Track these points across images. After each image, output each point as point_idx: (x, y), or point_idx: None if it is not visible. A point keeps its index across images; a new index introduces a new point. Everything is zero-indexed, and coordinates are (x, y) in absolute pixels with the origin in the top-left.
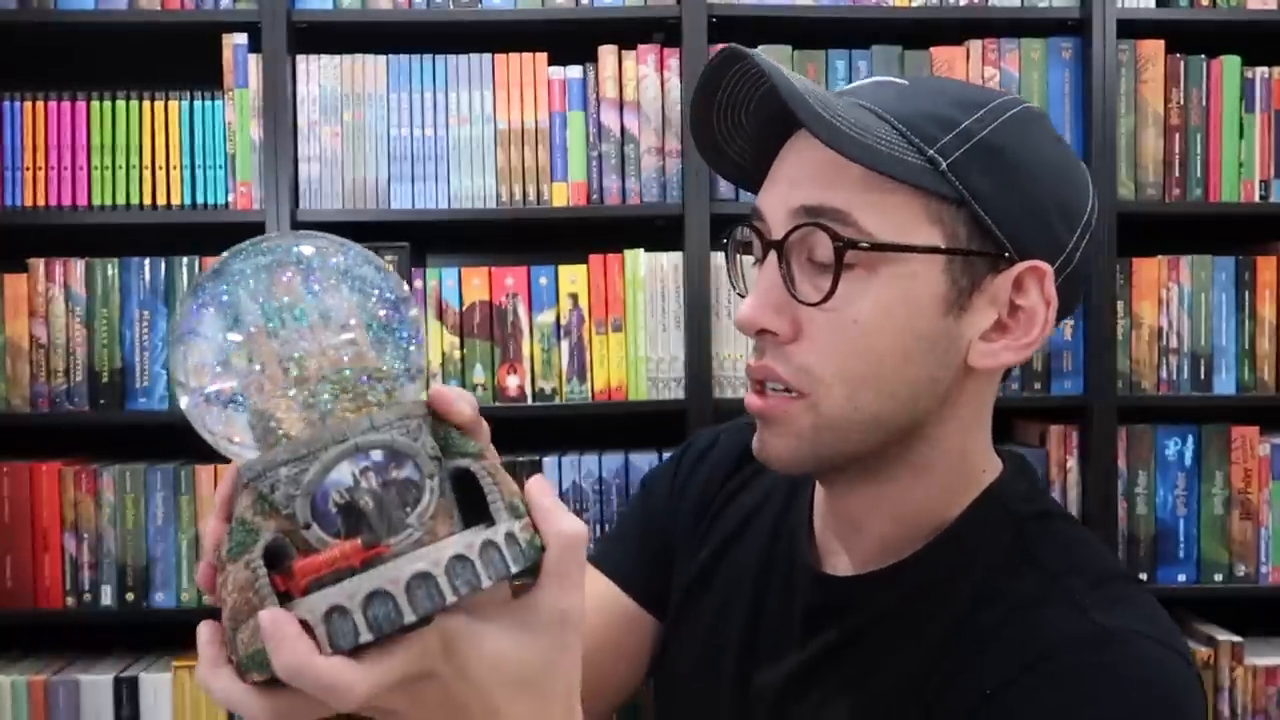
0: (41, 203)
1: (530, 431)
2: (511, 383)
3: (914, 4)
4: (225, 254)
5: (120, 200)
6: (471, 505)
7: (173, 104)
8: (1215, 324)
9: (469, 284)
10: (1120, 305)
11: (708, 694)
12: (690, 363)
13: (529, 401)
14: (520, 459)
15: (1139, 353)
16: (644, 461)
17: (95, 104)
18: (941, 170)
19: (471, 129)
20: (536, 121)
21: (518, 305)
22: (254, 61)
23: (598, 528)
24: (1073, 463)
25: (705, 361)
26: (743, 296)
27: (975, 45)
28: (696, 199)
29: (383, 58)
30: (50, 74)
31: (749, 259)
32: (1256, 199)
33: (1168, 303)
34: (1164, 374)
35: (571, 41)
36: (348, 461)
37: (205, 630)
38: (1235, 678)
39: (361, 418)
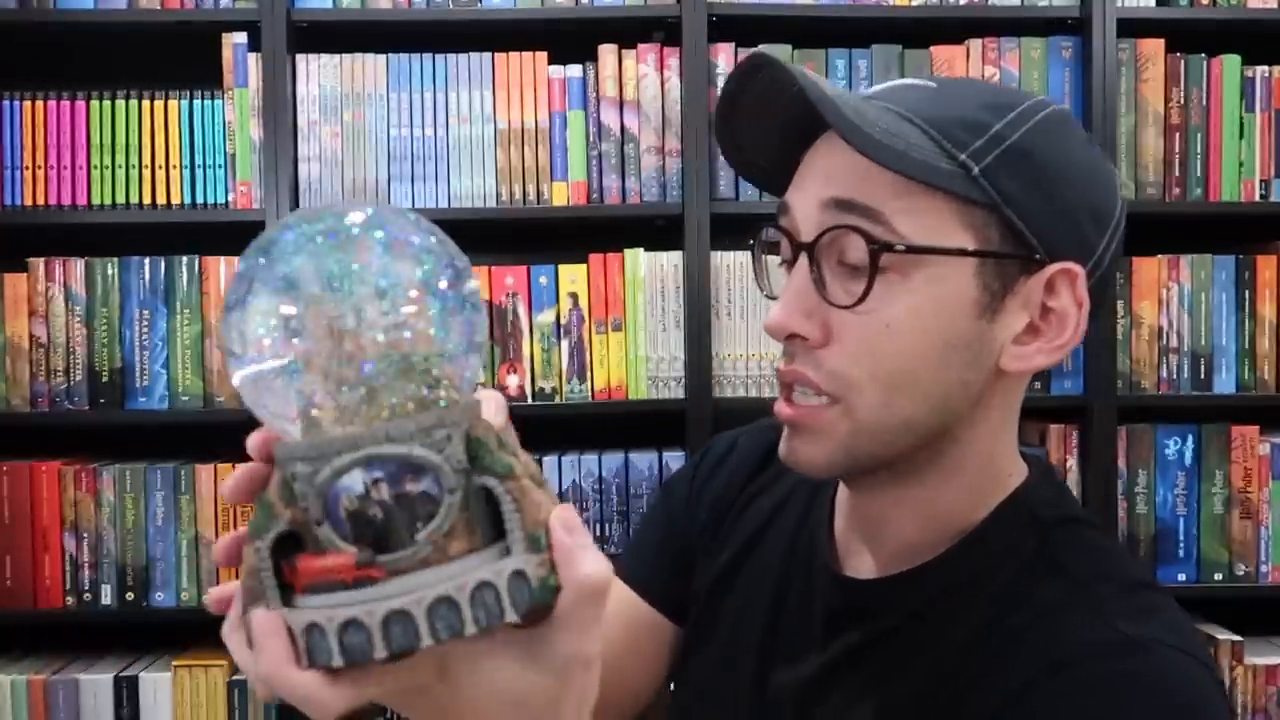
0: (41, 202)
1: (530, 431)
2: (511, 382)
3: (914, 3)
4: (284, 220)
5: (120, 200)
6: (498, 519)
7: (172, 103)
8: (1215, 323)
9: None
10: (1120, 305)
11: (727, 695)
12: (690, 362)
13: (529, 401)
14: None
15: (1139, 352)
16: (644, 461)
17: (95, 104)
18: (974, 175)
19: (471, 129)
20: (536, 121)
21: (518, 305)
22: (254, 61)
23: (597, 527)
24: (1073, 462)
25: (705, 361)
26: (770, 298)
27: (975, 44)
28: (696, 198)
29: (382, 57)
30: (50, 74)
31: (774, 259)
32: (1256, 198)
33: (1168, 302)
34: (1164, 373)
35: (571, 41)
36: (360, 469)
37: (232, 588)
38: (1235, 677)
39: (378, 426)
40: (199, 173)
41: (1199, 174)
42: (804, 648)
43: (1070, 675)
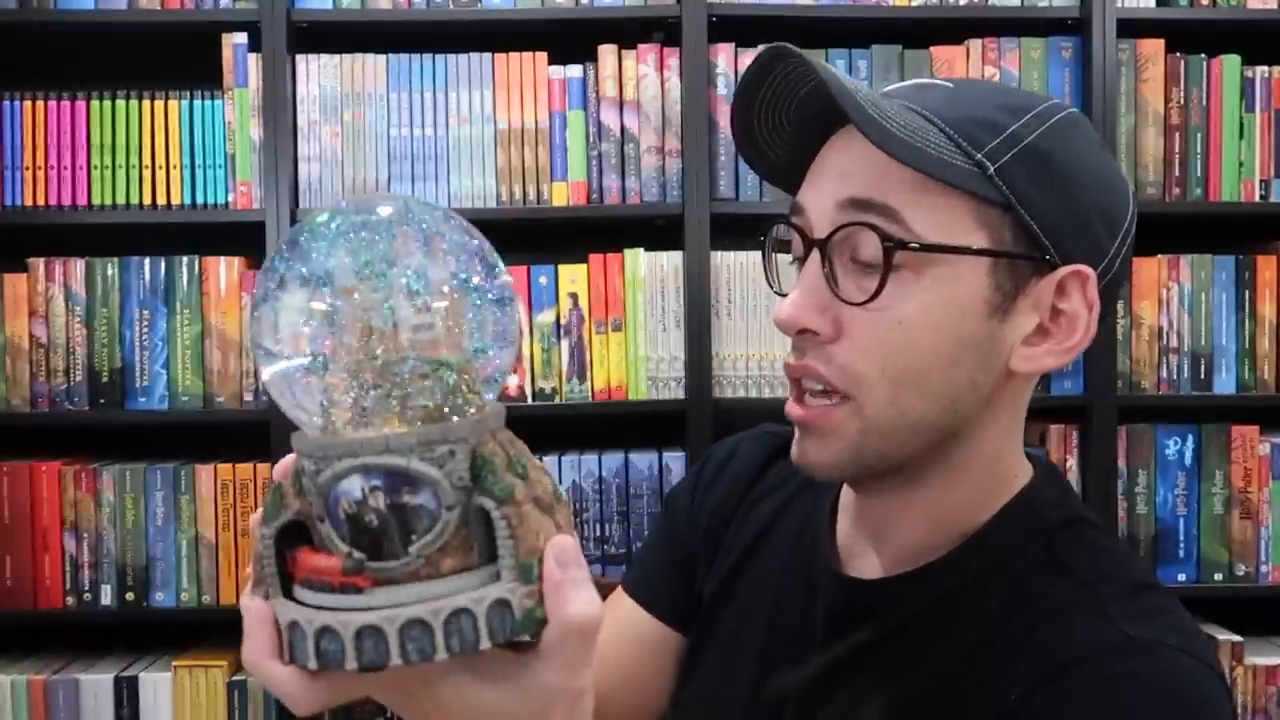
0: (41, 202)
1: (530, 431)
2: (511, 382)
3: (914, 3)
4: (314, 213)
5: (120, 200)
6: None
7: (172, 103)
8: (1215, 323)
9: None
10: (1120, 305)
11: (730, 698)
12: (690, 362)
13: (529, 401)
14: None
15: (1139, 352)
16: (644, 461)
17: (95, 104)
18: (989, 175)
19: (471, 129)
20: (536, 121)
21: (517, 305)
22: (254, 61)
23: (598, 527)
24: (1073, 462)
25: (705, 361)
26: (780, 295)
27: (975, 44)
28: (696, 198)
29: (383, 57)
30: (50, 74)
31: (784, 257)
32: (1256, 199)
33: (1168, 302)
34: (1164, 373)
35: (571, 41)
36: (359, 475)
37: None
38: (1235, 677)
39: (381, 435)
40: (199, 173)
41: (1199, 174)
42: (806, 649)
43: (1075, 676)
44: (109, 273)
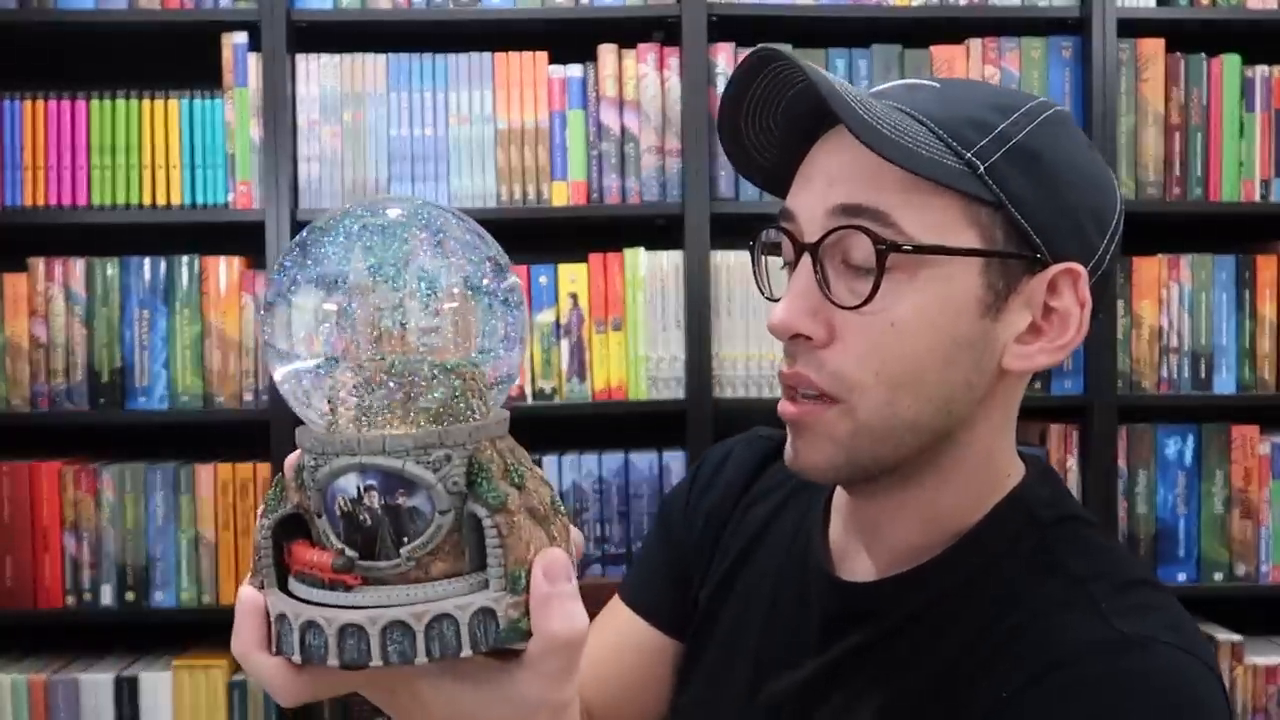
0: (41, 202)
1: (530, 431)
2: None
3: (914, 3)
4: (328, 214)
5: (120, 200)
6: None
7: (172, 103)
8: (1215, 323)
9: None
10: (1120, 304)
11: (725, 702)
12: (690, 362)
13: (529, 401)
14: None
15: (1139, 352)
16: (644, 461)
17: (95, 104)
18: (980, 174)
19: (471, 128)
20: (536, 121)
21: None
22: (254, 61)
23: (597, 527)
24: (1073, 462)
25: (705, 361)
26: (770, 300)
27: (975, 44)
28: (696, 198)
29: (382, 57)
30: (50, 74)
31: (774, 260)
32: (1256, 198)
33: (1168, 302)
34: (1164, 373)
35: (571, 40)
36: (355, 474)
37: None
38: (1235, 677)
39: (378, 436)
40: (199, 173)
41: (1199, 174)
42: (801, 653)
43: (1067, 674)
44: (109, 273)
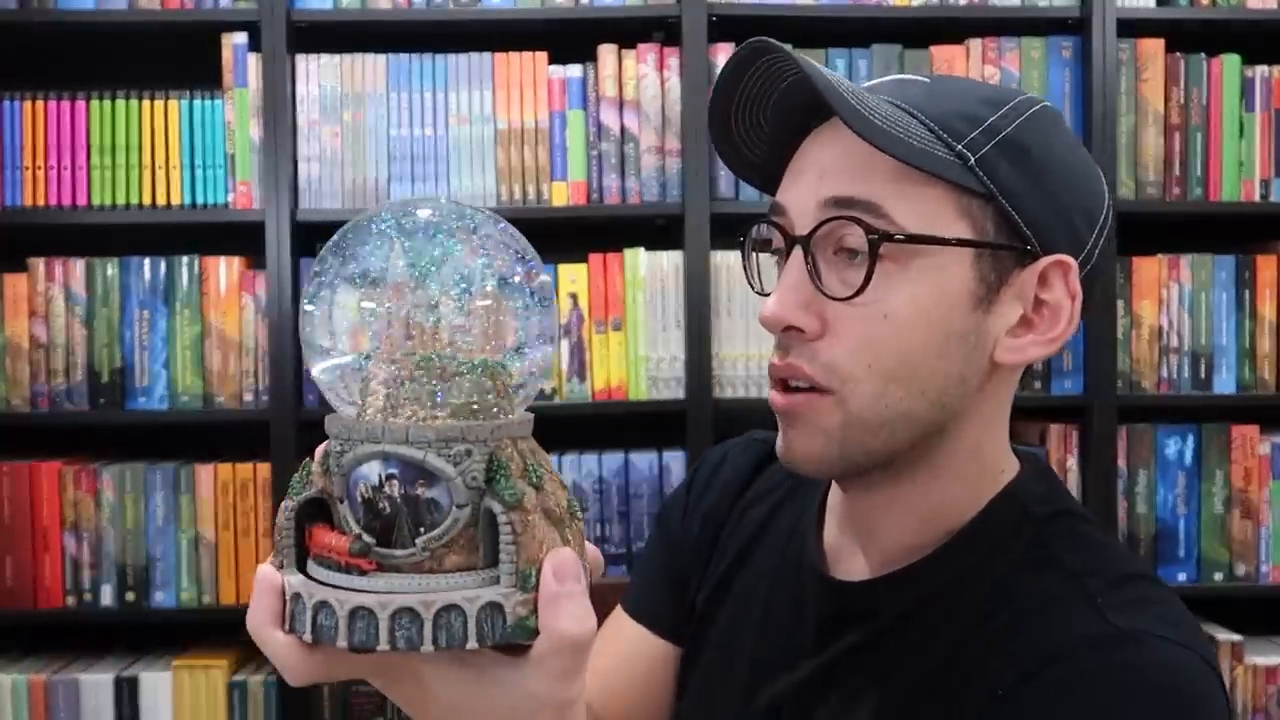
0: (41, 203)
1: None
2: None
3: (914, 3)
4: (364, 214)
5: (120, 200)
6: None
7: (172, 103)
8: (1215, 323)
9: None
10: (1120, 305)
11: (723, 703)
12: (690, 362)
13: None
14: None
15: (1139, 352)
16: (644, 461)
17: (95, 104)
18: (970, 165)
19: (471, 128)
20: (536, 121)
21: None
22: (253, 61)
23: (598, 527)
24: (1073, 462)
25: (705, 361)
26: (761, 295)
27: (975, 44)
28: (696, 198)
29: (382, 57)
30: (50, 74)
31: (765, 257)
32: (1256, 198)
33: (1168, 302)
34: (1164, 373)
35: (571, 41)
36: (378, 462)
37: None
38: (1235, 677)
39: (402, 426)
40: (199, 173)
41: (1199, 174)
42: (797, 653)
43: (1062, 669)
44: (109, 273)
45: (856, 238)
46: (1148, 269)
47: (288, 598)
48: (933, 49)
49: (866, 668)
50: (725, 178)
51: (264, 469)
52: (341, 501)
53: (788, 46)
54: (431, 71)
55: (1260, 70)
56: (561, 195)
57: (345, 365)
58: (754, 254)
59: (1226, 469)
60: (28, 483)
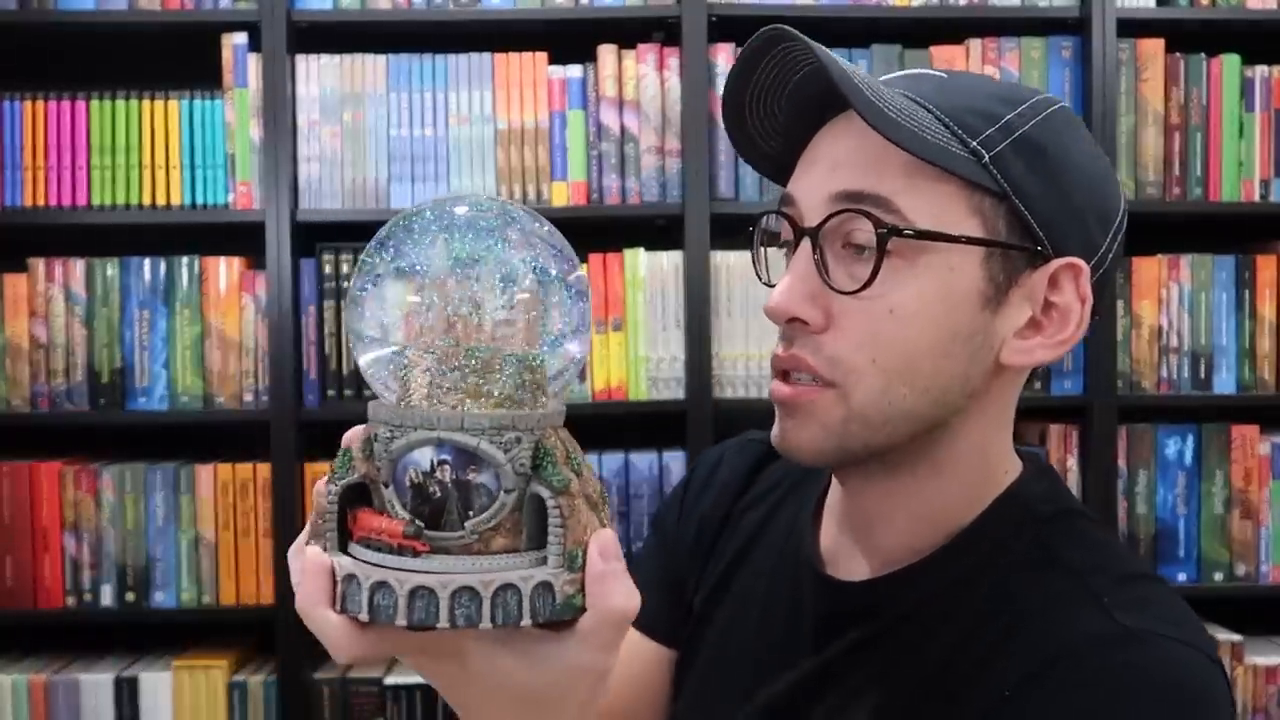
0: (41, 203)
1: None
2: None
3: (914, 3)
4: (407, 210)
5: (120, 200)
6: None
7: (172, 104)
8: (1215, 323)
9: None
10: (1120, 305)
11: (720, 704)
12: (690, 362)
13: None
14: None
15: (1139, 352)
16: (644, 462)
17: (95, 104)
18: (984, 163)
19: (471, 129)
20: (536, 121)
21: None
22: (254, 61)
23: None
24: (1073, 462)
25: (705, 361)
26: (768, 286)
27: (975, 44)
28: (696, 198)
29: (382, 57)
30: (50, 74)
31: (773, 250)
32: (1256, 198)
33: (1168, 302)
34: (1164, 373)
35: (571, 41)
36: (431, 448)
37: (311, 514)
38: (1235, 677)
39: (456, 413)
40: (199, 173)
41: (1199, 174)
42: (795, 653)
43: (1066, 668)
44: (109, 273)
45: (865, 232)
46: (1147, 269)
47: (338, 579)
48: (933, 49)
49: (865, 668)
50: (725, 178)
51: (264, 469)
52: (386, 486)
53: (804, 36)
54: (431, 71)
55: (1260, 70)
56: (561, 195)
57: (392, 355)
58: (762, 246)
59: (1226, 469)
60: (28, 483)
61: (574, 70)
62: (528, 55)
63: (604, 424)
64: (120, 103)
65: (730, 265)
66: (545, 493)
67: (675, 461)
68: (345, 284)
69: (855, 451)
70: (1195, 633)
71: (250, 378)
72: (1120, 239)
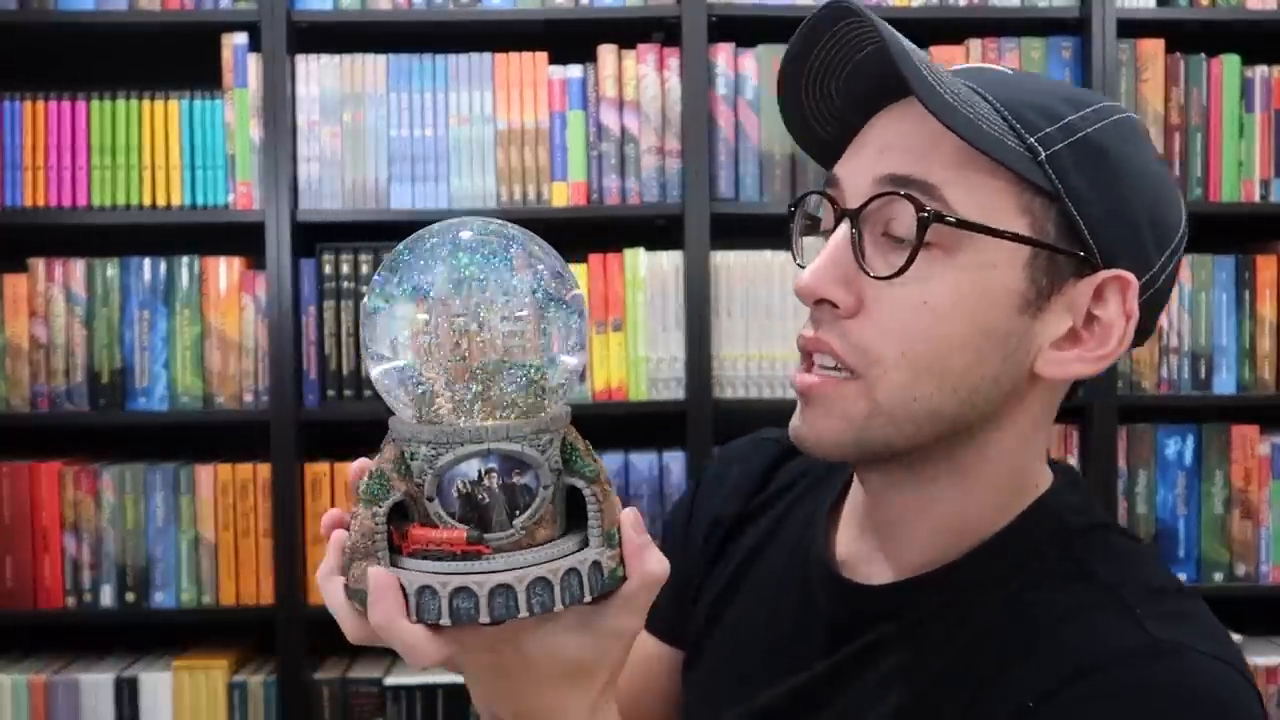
0: (41, 203)
1: None
2: None
3: (914, 3)
4: (420, 234)
5: (120, 200)
6: (572, 511)
7: (172, 104)
8: (1215, 323)
9: None
10: None
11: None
12: (690, 363)
13: None
14: None
15: (1139, 352)
16: (644, 462)
17: (95, 104)
18: (1040, 161)
19: (471, 129)
20: (536, 121)
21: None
22: (254, 61)
23: None
24: (1073, 462)
25: (705, 361)
26: (802, 267)
27: (975, 44)
28: (696, 198)
29: (382, 57)
30: (50, 74)
31: (808, 238)
32: (1256, 199)
33: (1168, 302)
34: (1164, 373)
35: (571, 41)
36: (477, 459)
37: (337, 537)
38: None
39: (500, 425)
40: (199, 173)
41: (1199, 174)
42: (807, 654)
43: (1097, 680)
44: (109, 273)
45: (906, 221)
46: None
47: (409, 592)
48: (933, 49)
49: (880, 672)
50: (725, 178)
51: (264, 469)
52: (431, 500)
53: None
54: (431, 72)
55: (1260, 70)
56: (561, 196)
57: (404, 372)
58: (799, 228)
59: (1226, 469)
60: (28, 483)
61: (574, 70)
62: (528, 55)
63: (604, 424)
64: (120, 103)
65: (730, 265)
66: (580, 483)
67: (675, 462)
68: (345, 284)
69: (876, 449)
70: (1229, 650)
71: (250, 378)
72: (1178, 259)
